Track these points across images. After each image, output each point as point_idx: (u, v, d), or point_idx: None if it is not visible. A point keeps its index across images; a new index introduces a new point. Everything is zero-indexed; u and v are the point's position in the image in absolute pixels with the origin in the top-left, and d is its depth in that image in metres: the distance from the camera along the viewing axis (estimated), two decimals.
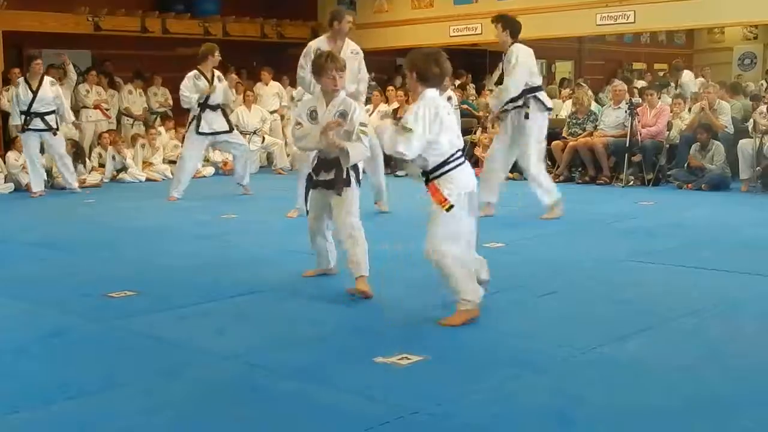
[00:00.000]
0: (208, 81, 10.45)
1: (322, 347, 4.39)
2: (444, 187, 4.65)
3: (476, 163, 12.99)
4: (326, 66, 5.39)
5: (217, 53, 10.52)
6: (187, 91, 10.40)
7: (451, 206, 4.63)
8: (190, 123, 10.66)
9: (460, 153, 4.72)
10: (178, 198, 10.48)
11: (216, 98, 10.49)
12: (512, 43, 8.30)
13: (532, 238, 7.49)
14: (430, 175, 4.71)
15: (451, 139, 4.71)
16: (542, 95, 8.59)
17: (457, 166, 4.70)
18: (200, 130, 10.48)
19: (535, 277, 5.85)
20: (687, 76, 15.95)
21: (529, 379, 3.85)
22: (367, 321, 4.88)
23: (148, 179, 13.09)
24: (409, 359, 4.07)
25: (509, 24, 8.35)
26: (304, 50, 8.29)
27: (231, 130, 10.83)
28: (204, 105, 10.42)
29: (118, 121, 15.02)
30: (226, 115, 10.76)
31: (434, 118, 4.61)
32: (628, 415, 3.41)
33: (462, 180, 4.71)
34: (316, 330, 4.72)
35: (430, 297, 5.24)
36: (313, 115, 5.45)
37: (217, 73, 10.65)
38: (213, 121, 10.54)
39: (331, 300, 5.31)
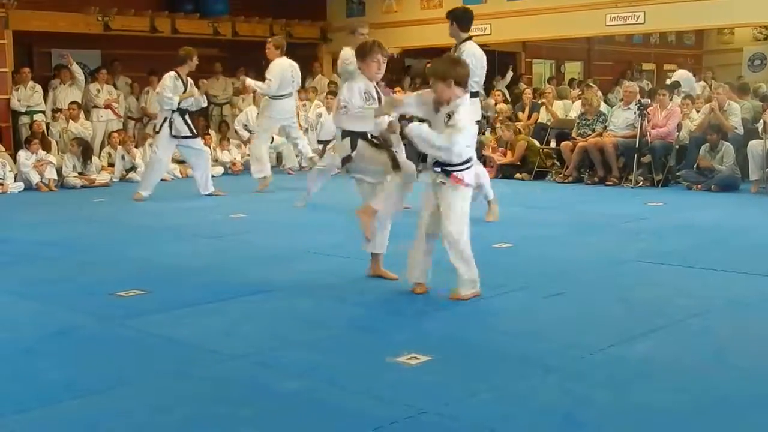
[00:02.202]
0: (183, 84, 10.50)
1: (331, 347, 4.39)
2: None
3: (484, 162, 13.01)
4: (374, 50, 5.62)
5: (195, 58, 10.56)
6: (169, 92, 10.45)
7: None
8: (162, 125, 10.74)
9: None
10: (145, 197, 10.54)
11: (187, 102, 10.53)
12: (465, 39, 8.08)
13: (539, 238, 7.48)
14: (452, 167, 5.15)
15: None
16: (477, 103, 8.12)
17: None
18: (174, 133, 10.55)
19: (543, 278, 5.84)
20: (683, 74, 15.94)
21: (537, 380, 3.85)
22: (375, 321, 4.88)
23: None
24: (417, 359, 4.07)
25: (458, 16, 8.14)
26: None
27: (195, 135, 10.95)
28: (177, 108, 10.48)
29: (141, 121, 15.12)
30: (192, 120, 10.84)
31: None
32: (637, 415, 3.40)
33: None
34: (325, 330, 4.72)
35: (439, 297, 5.24)
36: (367, 96, 5.57)
37: (189, 80, 10.67)
38: (182, 124, 10.58)
39: (339, 300, 5.31)
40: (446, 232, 5.19)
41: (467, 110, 5.20)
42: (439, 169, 5.16)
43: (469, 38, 8.11)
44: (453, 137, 5.04)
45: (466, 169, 5.17)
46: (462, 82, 5.11)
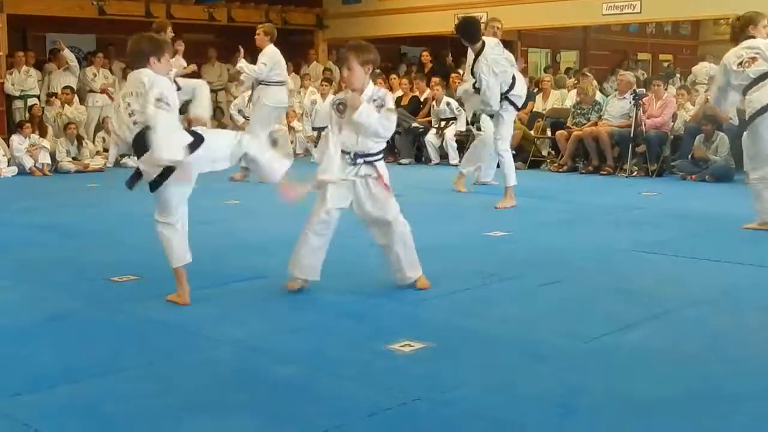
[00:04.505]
0: None
1: (325, 333, 4.39)
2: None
3: None
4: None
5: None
6: None
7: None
8: None
9: None
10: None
11: None
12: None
13: (535, 227, 7.48)
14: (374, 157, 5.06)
15: None
16: None
17: None
18: None
19: (538, 266, 5.84)
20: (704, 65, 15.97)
21: (532, 368, 3.85)
22: (370, 308, 4.88)
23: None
24: (411, 346, 4.07)
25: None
26: None
27: None
28: None
29: None
30: None
31: None
32: (630, 404, 3.41)
33: None
34: (319, 316, 4.72)
35: (434, 285, 5.23)
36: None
37: None
38: None
39: (334, 287, 5.30)
40: (395, 224, 5.10)
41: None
42: (362, 161, 5.04)
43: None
44: (392, 118, 5.04)
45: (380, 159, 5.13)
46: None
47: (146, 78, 4.66)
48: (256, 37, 10.95)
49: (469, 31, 8.40)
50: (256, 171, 5.32)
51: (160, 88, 4.64)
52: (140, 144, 4.71)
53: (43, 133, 12.51)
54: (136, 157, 4.90)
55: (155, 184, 4.79)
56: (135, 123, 4.68)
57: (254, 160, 5.01)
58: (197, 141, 4.69)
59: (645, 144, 11.48)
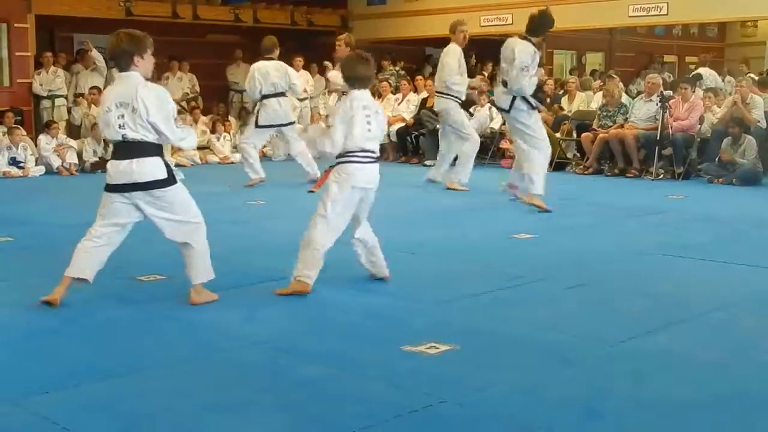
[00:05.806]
0: None
1: (351, 334, 4.40)
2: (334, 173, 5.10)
3: (502, 154, 12.95)
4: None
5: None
6: None
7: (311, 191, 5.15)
8: None
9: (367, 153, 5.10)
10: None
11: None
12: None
13: (560, 229, 7.45)
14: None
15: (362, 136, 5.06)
16: None
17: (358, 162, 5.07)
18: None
19: (564, 269, 5.82)
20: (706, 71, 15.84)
21: (557, 371, 3.84)
22: (395, 309, 4.88)
23: (177, 164, 13.08)
24: (437, 348, 4.07)
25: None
26: None
27: None
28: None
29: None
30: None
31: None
32: (656, 409, 3.40)
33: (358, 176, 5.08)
34: (345, 317, 4.73)
35: (459, 287, 5.23)
36: None
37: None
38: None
39: (359, 287, 5.31)
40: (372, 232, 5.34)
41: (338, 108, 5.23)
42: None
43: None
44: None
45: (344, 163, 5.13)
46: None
47: (146, 91, 4.78)
48: (337, 48, 11.01)
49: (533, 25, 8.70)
50: None
51: (170, 110, 4.86)
52: (125, 150, 4.82)
53: (74, 135, 12.62)
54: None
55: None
56: (123, 137, 4.76)
57: None
58: None
59: (671, 147, 11.41)
